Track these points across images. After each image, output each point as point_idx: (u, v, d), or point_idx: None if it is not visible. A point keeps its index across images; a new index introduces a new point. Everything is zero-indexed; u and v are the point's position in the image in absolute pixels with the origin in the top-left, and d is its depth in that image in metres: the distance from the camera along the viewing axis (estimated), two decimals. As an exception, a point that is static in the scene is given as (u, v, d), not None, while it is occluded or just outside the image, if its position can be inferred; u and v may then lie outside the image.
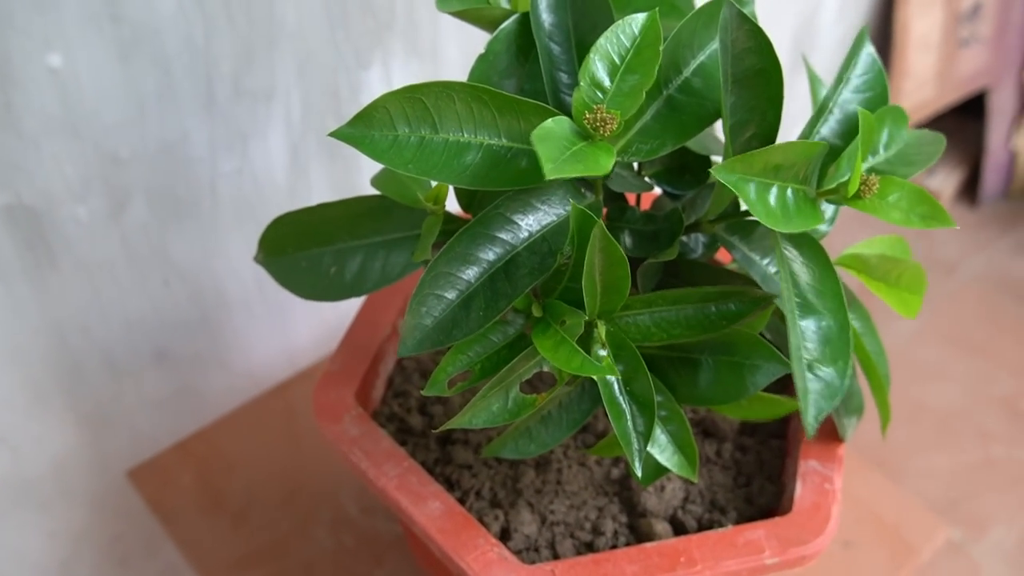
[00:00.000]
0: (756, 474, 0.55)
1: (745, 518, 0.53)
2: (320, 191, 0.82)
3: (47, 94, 0.62)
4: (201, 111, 0.70)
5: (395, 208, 0.47)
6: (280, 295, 0.85)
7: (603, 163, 0.36)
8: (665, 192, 0.50)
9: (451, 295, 0.40)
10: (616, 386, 0.41)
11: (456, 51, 0.84)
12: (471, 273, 0.40)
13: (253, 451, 0.75)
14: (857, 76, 0.46)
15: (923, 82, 1.41)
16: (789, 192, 0.39)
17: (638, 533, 0.52)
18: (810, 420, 0.40)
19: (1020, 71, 1.56)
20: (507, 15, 0.44)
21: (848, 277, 0.50)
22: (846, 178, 0.42)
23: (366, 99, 0.80)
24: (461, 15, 0.45)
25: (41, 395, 0.73)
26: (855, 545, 0.71)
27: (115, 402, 0.78)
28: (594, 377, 0.41)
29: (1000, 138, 1.59)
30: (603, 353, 0.41)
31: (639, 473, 0.41)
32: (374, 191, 0.86)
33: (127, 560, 0.86)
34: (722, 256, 0.57)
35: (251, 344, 0.85)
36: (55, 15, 0.60)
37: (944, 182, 1.61)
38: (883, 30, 1.41)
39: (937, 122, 1.61)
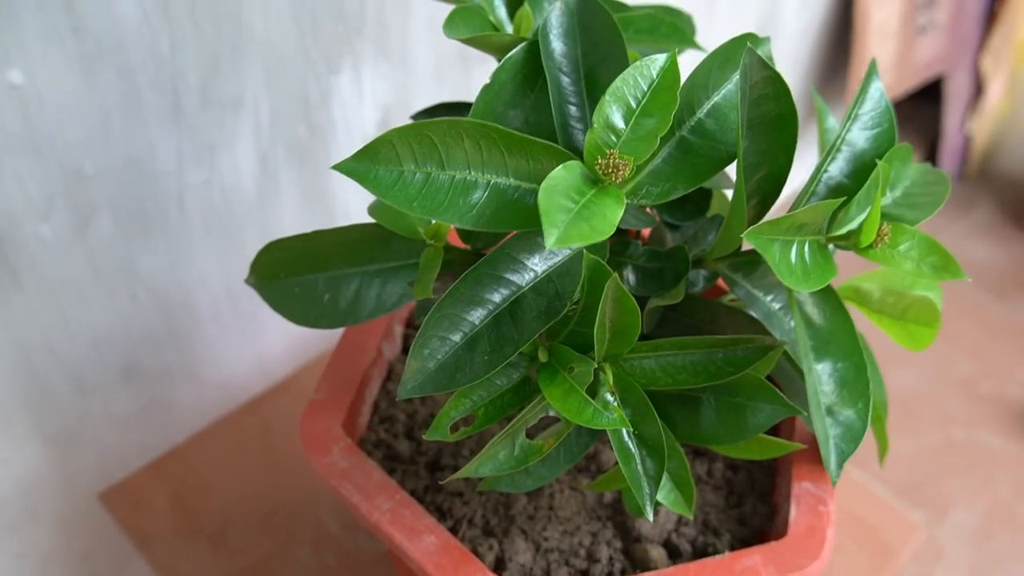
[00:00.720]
0: (748, 494, 0.55)
1: (738, 540, 0.53)
2: (290, 198, 0.80)
3: (7, 111, 0.59)
4: (168, 123, 0.68)
5: (392, 236, 0.45)
6: (251, 306, 0.83)
7: (610, 219, 0.35)
8: (664, 221, 0.49)
9: (455, 337, 0.39)
10: (625, 431, 0.41)
11: (427, 52, 0.82)
12: (476, 315, 0.39)
13: (229, 469, 0.74)
14: (865, 112, 0.45)
15: (883, 69, 1.42)
16: (806, 246, 0.39)
17: (633, 559, 0.52)
18: (833, 468, 0.40)
19: (975, 57, 1.58)
20: (514, 43, 0.43)
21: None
22: (856, 224, 0.41)
23: (336, 104, 0.78)
24: (468, 42, 0.43)
25: (6, 417, 0.71)
26: (836, 549, 0.71)
27: (83, 421, 0.76)
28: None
29: (955, 122, 1.61)
30: (612, 400, 0.40)
31: (651, 518, 0.40)
32: (345, 201, 0.85)
33: (98, 578, 0.84)
34: (720, 283, 0.57)
35: (222, 355, 0.83)
36: (14, 30, 0.57)
37: (902, 166, 1.63)
38: (844, 18, 1.41)
39: (895, 108, 1.62)
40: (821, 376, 0.41)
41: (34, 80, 0.59)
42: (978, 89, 1.62)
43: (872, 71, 0.45)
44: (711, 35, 1.19)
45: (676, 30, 0.50)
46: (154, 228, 0.72)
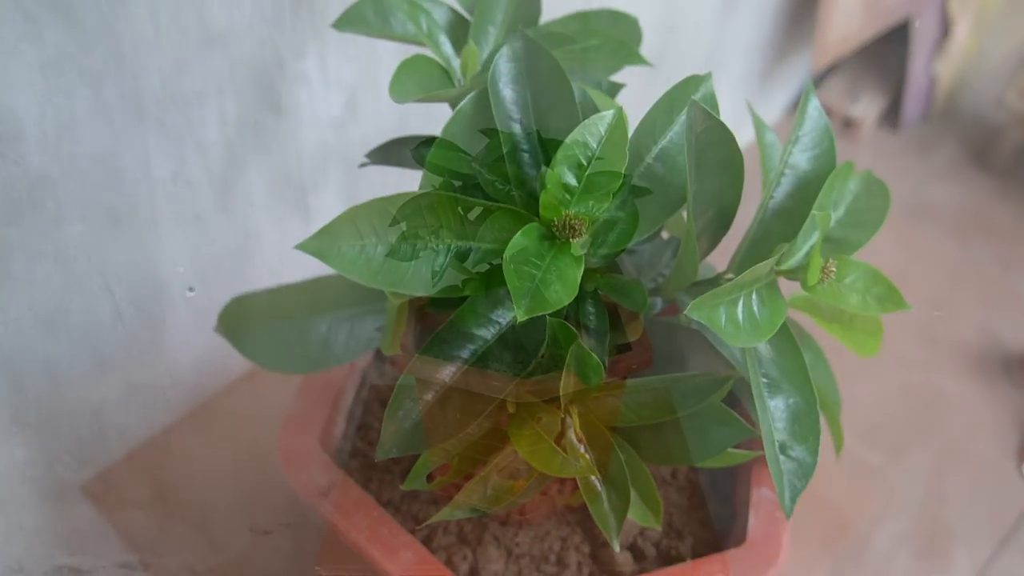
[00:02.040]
0: (710, 495, 0.58)
1: (700, 542, 0.56)
2: (259, 183, 0.80)
3: (-32, 124, 0.59)
4: (132, 122, 0.67)
5: (355, 285, 0.46)
6: (222, 290, 0.83)
7: (572, 281, 0.37)
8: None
9: (428, 396, 0.40)
10: (591, 475, 0.43)
11: (392, 33, 0.81)
12: (446, 373, 0.40)
13: (209, 457, 0.76)
14: (805, 133, 0.46)
15: (850, 14, 1.42)
16: (753, 296, 0.40)
17: (600, 563, 0.55)
18: (787, 503, 0.42)
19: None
20: (463, 94, 0.43)
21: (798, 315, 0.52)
22: (802, 256, 0.43)
23: (304, 90, 0.78)
24: (421, 100, 0.44)
25: (-19, 412, 0.72)
26: (794, 524, 0.75)
27: (59, 411, 0.77)
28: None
29: (921, 64, 1.61)
30: (580, 447, 0.42)
31: (617, 548, 0.42)
32: (315, 183, 0.85)
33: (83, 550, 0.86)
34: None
35: (196, 340, 0.84)
36: (-28, 45, 0.56)
37: (867, 108, 1.64)
38: (812, -36, 1.40)
39: (862, 51, 1.62)
40: (775, 413, 0.43)
41: (-6, 91, 0.59)
42: (945, 31, 1.62)
43: (809, 92, 0.46)
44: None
45: (622, 46, 0.49)
46: (123, 224, 0.72)
